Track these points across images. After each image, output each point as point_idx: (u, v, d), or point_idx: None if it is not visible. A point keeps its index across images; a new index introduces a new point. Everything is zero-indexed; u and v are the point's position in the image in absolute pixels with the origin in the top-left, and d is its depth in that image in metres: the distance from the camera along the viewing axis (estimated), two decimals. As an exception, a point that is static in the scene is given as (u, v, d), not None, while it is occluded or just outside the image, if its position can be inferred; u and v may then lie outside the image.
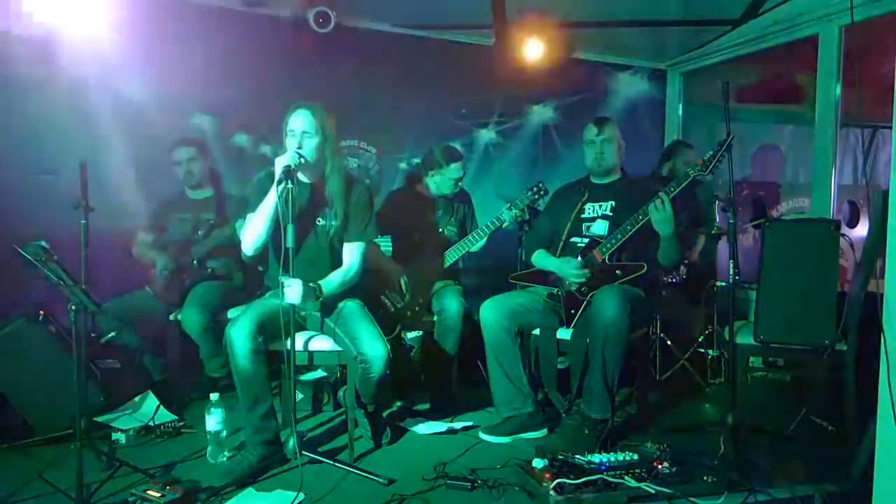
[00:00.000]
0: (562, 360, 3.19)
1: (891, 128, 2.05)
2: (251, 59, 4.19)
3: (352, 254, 2.86)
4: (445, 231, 3.65)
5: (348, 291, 2.86)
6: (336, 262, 2.85)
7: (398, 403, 3.41)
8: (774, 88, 5.52)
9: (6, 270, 3.13)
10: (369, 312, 2.82)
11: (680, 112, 5.52)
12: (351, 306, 2.82)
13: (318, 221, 2.83)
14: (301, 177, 2.79)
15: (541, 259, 3.23)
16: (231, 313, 3.35)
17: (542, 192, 3.51)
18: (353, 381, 2.77)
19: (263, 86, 4.08)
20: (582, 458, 2.44)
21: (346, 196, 2.82)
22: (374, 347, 2.63)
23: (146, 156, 3.89)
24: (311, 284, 2.64)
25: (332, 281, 2.77)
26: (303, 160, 2.65)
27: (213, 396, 2.74)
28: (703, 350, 3.96)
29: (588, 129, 3.17)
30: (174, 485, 2.32)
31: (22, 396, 2.90)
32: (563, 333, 3.05)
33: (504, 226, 3.51)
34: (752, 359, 3.71)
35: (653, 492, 2.29)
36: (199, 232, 3.57)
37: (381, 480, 2.48)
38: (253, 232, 2.71)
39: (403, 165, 4.74)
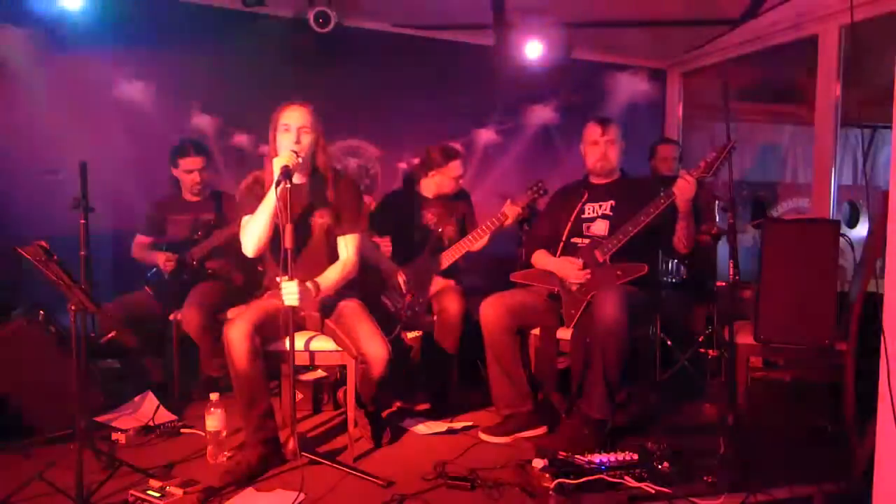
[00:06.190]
0: (562, 360, 3.19)
1: (891, 128, 2.05)
2: (251, 59, 4.20)
3: (347, 247, 2.85)
4: (445, 231, 3.65)
5: (348, 290, 2.86)
6: (334, 259, 2.85)
7: (398, 404, 3.41)
8: (774, 88, 5.53)
9: (6, 270, 3.14)
10: (369, 312, 2.82)
11: (680, 112, 5.52)
12: (351, 306, 2.81)
13: (314, 220, 2.82)
14: (294, 177, 2.78)
15: (541, 259, 3.23)
16: (231, 314, 3.35)
17: (542, 191, 3.51)
18: (353, 381, 2.77)
19: (263, 86, 4.08)
20: (582, 458, 2.43)
21: (334, 191, 2.83)
22: (375, 347, 2.63)
23: (146, 156, 3.90)
24: (307, 284, 2.63)
25: (329, 276, 2.77)
26: (300, 159, 2.64)
27: (213, 396, 2.73)
28: (703, 350, 3.96)
29: (591, 130, 3.14)
30: (174, 485, 2.32)
31: (22, 396, 2.90)
32: (563, 333, 3.05)
33: (505, 225, 3.51)
34: (751, 359, 3.71)
35: (653, 492, 2.29)
36: (199, 233, 3.57)
37: (380, 483, 2.47)
38: (252, 234, 2.70)
39: (403, 165, 4.74)
